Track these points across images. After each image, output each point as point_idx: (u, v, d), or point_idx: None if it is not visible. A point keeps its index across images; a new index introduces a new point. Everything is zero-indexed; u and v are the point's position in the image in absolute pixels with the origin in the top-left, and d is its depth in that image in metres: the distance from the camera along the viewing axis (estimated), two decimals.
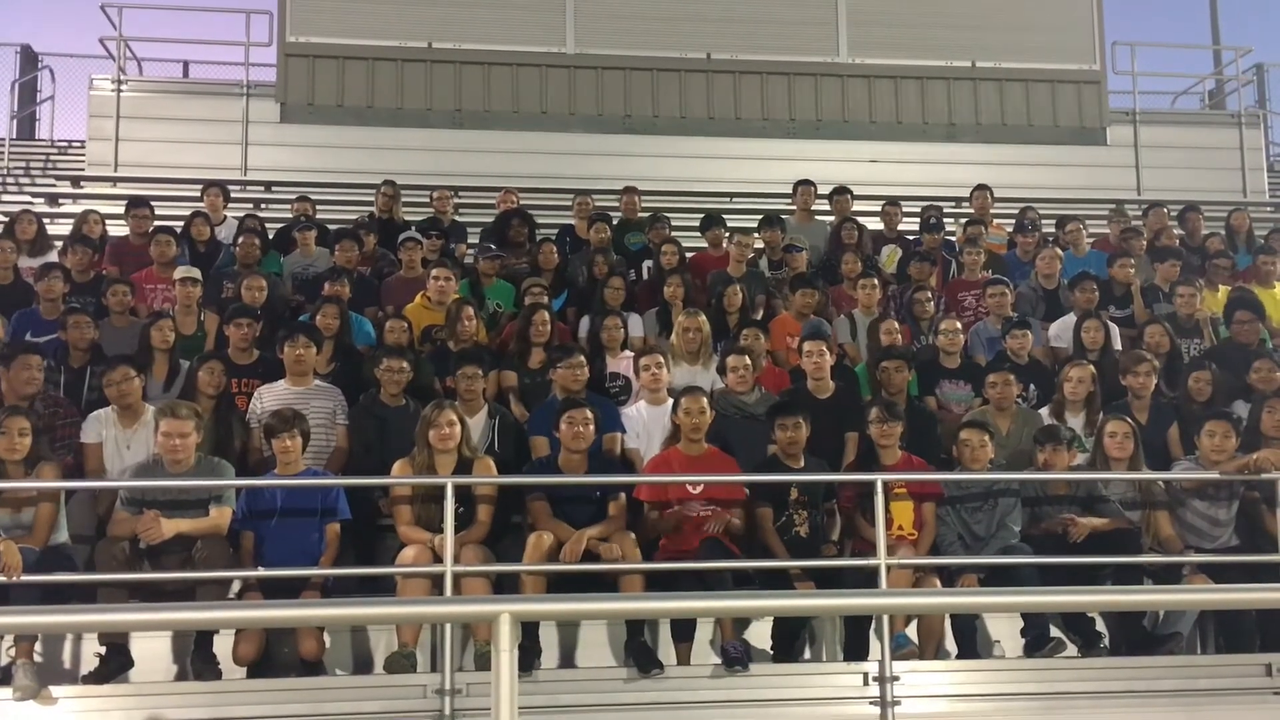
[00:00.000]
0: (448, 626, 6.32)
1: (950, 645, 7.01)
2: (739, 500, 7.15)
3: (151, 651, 6.55)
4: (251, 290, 8.98)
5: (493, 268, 9.93)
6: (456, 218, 11.94)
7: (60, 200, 13.13)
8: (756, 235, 10.88)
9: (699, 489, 7.09)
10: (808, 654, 7.08)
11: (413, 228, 11.08)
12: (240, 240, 10.08)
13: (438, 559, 6.51)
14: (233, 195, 11.99)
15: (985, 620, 7.12)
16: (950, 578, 7.01)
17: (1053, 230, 11.75)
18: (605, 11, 14.48)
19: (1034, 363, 8.87)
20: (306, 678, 6.47)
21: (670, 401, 7.60)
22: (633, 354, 8.52)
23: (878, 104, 14.83)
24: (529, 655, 6.41)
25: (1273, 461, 7.07)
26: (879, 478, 6.83)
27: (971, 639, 6.97)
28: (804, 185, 11.96)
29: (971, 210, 12.35)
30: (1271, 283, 10.53)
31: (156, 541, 6.36)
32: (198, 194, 11.63)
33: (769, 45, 14.63)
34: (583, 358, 7.99)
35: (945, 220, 12.03)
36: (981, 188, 12.28)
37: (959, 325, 8.96)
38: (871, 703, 6.51)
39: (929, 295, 9.76)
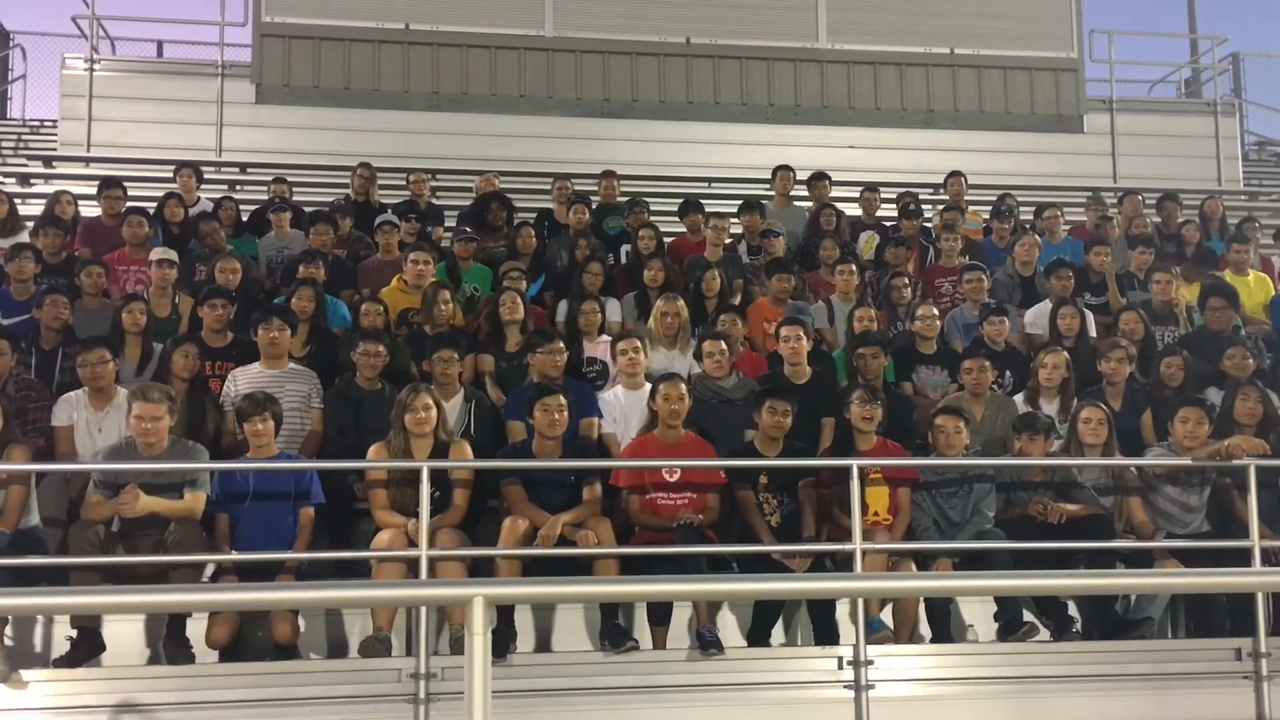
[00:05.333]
0: (422, 610, 6.30)
1: (924, 629, 7.05)
2: (716, 485, 7.15)
3: (124, 635, 6.51)
4: (225, 273, 8.91)
5: (468, 250, 9.88)
6: (434, 201, 11.88)
7: (32, 180, 12.99)
8: (733, 220, 10.87)
9: (675, 475, 7.09)
10: (783, 638, 7.10)
11: (389, 210, 11.02)
12: (200, 226, 10.03)
13: (412, 543, 6.49)
14: (207, 176, 11.88)
15: (959, 604, 7.16)
16: (925, 562, 7.04)
17: (1029, 217, 11.78)
18: None
19: (1010, 349, 8.90)
20: (280, 661, 6.44)
21: (648, 386, 7.60)
22: (610, 338, 8.50)
23: (856, 90, 14.84)
24: (504, 639, 6.41)
25: (1244, 448, 7.11)
26: (854, 463, 6.85)
27: (945, 623, 7.01)
28: (782, 170, 11.97)
29: (947, 197, 12.38)
30: (1244, 271, 10.60)
31: (132, 515, 6.32)
32: (171, 175, 11.53)
33: (748, 30, 14.60)
34: (562, 343, 7.97)
35: (923, 206, 12.04)
36: (955, 174, 12.29)
37: (935, 311, 8.99)
38: (845, 686, 6.53)
39: (906, 281, 9.77)
